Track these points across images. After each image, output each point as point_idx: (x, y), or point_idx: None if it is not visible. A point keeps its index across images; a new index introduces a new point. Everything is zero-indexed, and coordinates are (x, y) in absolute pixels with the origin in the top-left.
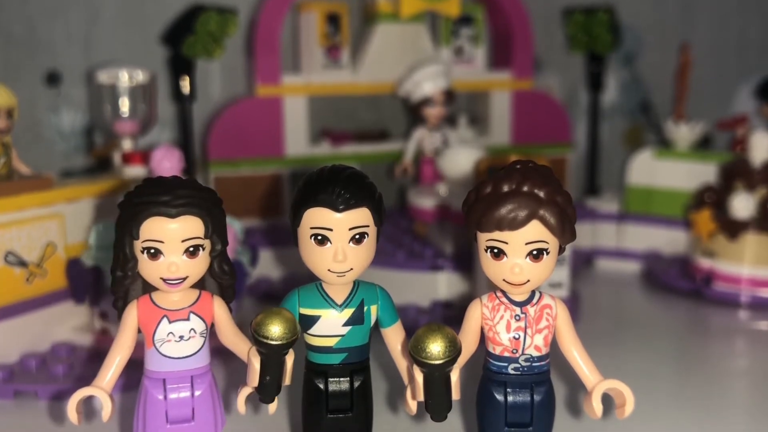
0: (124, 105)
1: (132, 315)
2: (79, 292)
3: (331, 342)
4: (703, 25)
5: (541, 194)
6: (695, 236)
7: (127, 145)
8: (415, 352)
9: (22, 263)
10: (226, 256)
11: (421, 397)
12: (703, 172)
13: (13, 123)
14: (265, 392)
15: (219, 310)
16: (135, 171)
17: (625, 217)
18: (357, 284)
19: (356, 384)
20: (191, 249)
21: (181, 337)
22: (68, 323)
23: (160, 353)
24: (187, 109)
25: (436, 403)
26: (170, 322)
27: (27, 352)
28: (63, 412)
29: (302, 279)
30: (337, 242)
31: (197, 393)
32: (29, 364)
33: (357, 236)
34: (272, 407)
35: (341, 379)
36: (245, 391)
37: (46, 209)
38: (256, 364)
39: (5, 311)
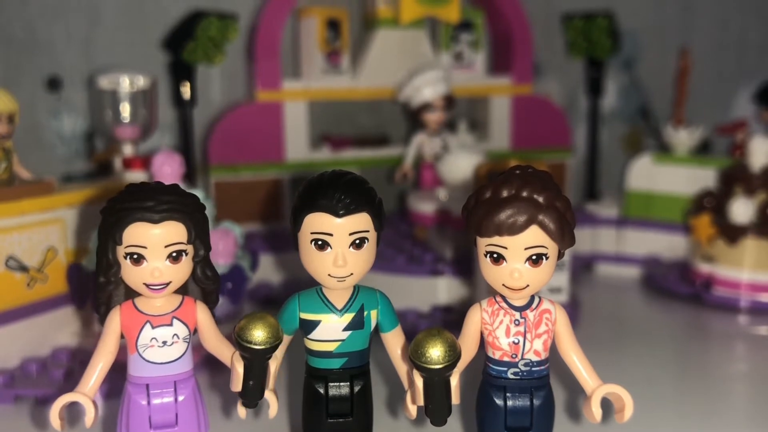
0: (125, 110)
1: (115, 321)
2: (80, 296)
3: (331, 347)
4: (702, 30)
5: (541, 199)
6: (695, 241)
7: (127, 150)
8: (415, 357)
9: (23, 268)
10: (209, 261)
11: (421, 402)
12: (702, 177)
13: (14, 128)
14: (249, 397)
15: (202, 315)
16: (136, 176)
17: (625, 222)
18: (357, 289)
19: (356, 388)
20: (174, 254)
21: (165, 343)
22: (69, 328)
23: (144, 358)
24: (187, 114)
25: (436, 408)
26: (153, 327)
27: (28, 356)
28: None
29: (302, 284)
30: (338, 247)
31: (180, 398)
32: (30, 369)
33: (357, 241)
34: (272, 412)
35: (341, 383)
36: None
37: (47, 214)
38: (239, 368)
39: (6, 316)
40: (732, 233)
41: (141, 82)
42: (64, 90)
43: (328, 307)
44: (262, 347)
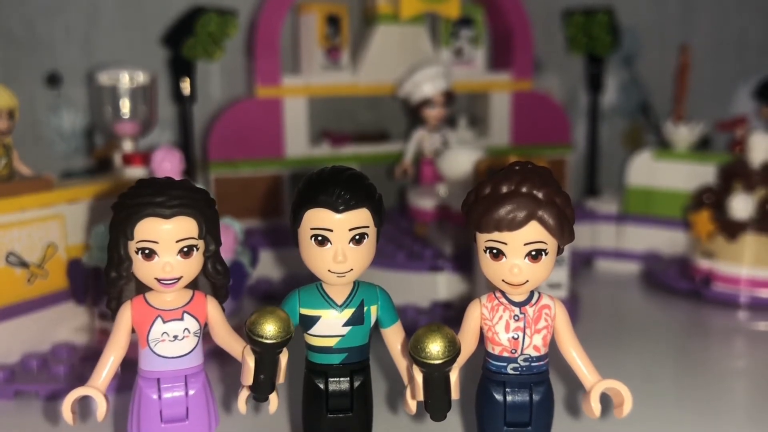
0: (125, 106)
1: (126, 315)
2: (80, 292)
3: (331, 342)
4: (703, 27)
5: (540, 195)
6: (694, 237)
7: (127, 146)
8: (414, 352)
9: (23, 264)
10: (219, 256)
11: (420, 397)
12: (702, 173)
13: (14, 124)
14: (260, 391)
15: (212, 309)
16: (135, 172)
17: (625, 217)
18: (357, 285)
19: (356, 384)
20: (185, 249)
21: (176, 337)
22: (69, 324)
23: (155, 353)
24: (187, 111)
25: (436, 403)
26: (164, 322)
27: (28, 352)
28: (59, 412)
29: (302, 279)
30: (337, 243)
31: (191, 392)
32: (30, 365)
33: (357, 237)
34: (272, 407)
35: (341, 379)
36: (246, 391)
37: (47, 210)
38: (250, 362)
39: (6, 312)
40: (732, 229)
41: (141, 78)
42: (63, 86)
43: (328, 302)
44: (274, 341)
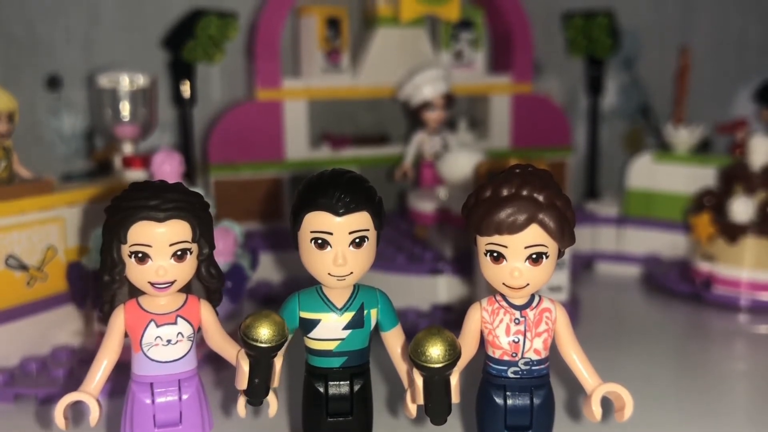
0: (125, 109)
1: (119, 319)
2: (80, 295)
3: (331, 345)
4: (703, 29)
5: (541, 198)
6: (695, 240)
7: (127, 148)
8: (414, 356)
9: (23, 267)
10: (213, 259)
11: (420, 401)
12: (702, 176)
13: (14, 126)
14: (254, 395)
15: (206, 313)
16: (135, 175)
17: (625, 220)
18: (357, 288)
19: (356, 387)
20: (179, 253)
21: (169, 341)
22: (69, 327)
23: (148, 357)
24: (187, 113)
25: (436, 407)
26: (158, 326)
27: (27, 355)
28: (51, 416)
29: (302, 282)
30: (338, 246)
31: (185, 396)
32: (30, 368)
33: (357, 240)
34: (272, 411)
35: (341, 382)
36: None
37: (47, 213)
38: (245, 366)
39: (6, 315)
40: (732, 232)
41: (141, 80)
42: (64, 89)
43: (328, 305)
44: (268, 345)
